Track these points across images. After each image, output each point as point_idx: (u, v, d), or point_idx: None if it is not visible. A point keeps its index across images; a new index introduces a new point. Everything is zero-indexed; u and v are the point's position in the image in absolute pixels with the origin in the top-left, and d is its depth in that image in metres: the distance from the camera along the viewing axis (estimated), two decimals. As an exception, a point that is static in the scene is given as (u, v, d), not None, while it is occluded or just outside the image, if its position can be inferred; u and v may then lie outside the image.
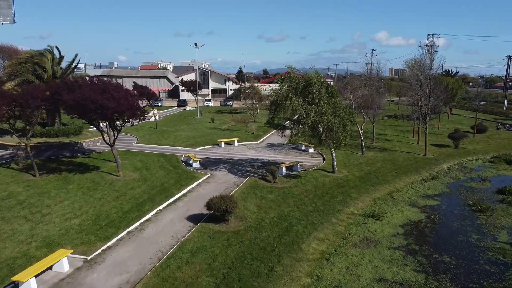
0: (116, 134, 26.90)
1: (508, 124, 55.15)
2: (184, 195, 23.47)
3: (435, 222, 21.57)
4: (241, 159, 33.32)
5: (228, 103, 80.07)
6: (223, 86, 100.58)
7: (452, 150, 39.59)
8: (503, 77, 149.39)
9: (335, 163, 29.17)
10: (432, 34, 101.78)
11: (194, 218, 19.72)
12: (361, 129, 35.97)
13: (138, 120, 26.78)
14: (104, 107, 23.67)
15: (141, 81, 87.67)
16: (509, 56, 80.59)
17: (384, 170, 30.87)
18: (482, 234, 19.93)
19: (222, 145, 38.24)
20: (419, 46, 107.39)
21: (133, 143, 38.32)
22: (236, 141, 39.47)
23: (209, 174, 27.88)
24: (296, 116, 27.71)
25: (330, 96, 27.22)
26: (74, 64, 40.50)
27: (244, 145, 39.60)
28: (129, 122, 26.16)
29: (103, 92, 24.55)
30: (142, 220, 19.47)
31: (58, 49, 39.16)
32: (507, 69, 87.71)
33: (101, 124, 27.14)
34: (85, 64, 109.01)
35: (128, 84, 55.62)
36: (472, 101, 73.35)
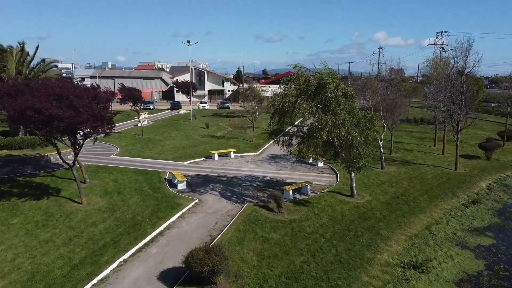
0: (77, 150, 21.11)
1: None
2: (160, 233, 17.67)
3: (501, 277, 15.80)
4: (238, 176, 27.55)
5: (225, 105, 74.29)
6: (220, 87, 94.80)
7: (484, 162, 33.83)
8: (507, 77, 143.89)
9: (354, 185, 23.40)
10: (442, 32, 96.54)
11: (169, 277, 13.94)
12: (381, 139, 30.21)
13: (103, 135, 20.99)
14: (55, 118, 17.92)
15: (134, 82, 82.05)
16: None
17: (413, 192, 25.09)
18: None
19: (216, 157, 32.45)
20: (428, 45, 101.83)
21: (111, 155, 32.52)
22: (232, 153, 33.66)
23: (197, 200, 22.09)
24: (306, 127, 21.98)
25: (348, 101, 21.47)
26: (38, 62, 34.68)
27: (242, 157, 33.81)
28: (91, 136, 20.35)
29: (58, 98, 18.83)
30: (94, 281, 13.68)
31: (21, 45, 33.28)
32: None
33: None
34: (73, 64, 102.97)
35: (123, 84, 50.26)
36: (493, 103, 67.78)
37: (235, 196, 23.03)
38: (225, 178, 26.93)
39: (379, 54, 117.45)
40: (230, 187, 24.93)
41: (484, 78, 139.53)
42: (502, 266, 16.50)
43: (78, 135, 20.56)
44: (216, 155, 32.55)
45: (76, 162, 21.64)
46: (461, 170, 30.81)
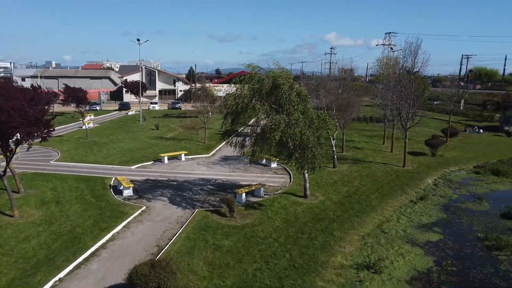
0: (8, 157, 19.19)
1: (477, 126, 52.27)
2: (102, 246, 16.36)
3: (449, 272, 16.03)
4: (189, 180, 26.52)
5: (177, 106, 72.39)
6: (172, 87, 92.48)
7: (430, 159, 35.05)
8: (448, 77, 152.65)
9: (307, 185, 23.17)
10: (390, 33, 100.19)
11: (111, 296, 12.80)
12: (333, 138, 30.36)
13: (40, 139, 19.22)
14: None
15: (80, 82, 77.87)
16: (466, 55, 79.60)
17: (365, 190, 25.31)
18: (517, 291, 14.65)
19: (166, 160, 31.15)
20: (377, 45, 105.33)
21: (51, 161, 30.25)
22: (183, 155, 32.48)
23: (144, 207, 20.85)
24: (259, 127, 21.42)
25: (301, 101, 21.17)
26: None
27: (193, 159, 32.73)
28: (25, 142, 18.55)
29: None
30: (24, 306, 12.26)
31: None
32: (465, 68, 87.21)
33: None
34: (11, 63, 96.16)
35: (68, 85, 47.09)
36: (437, 101, 71.08)
37: (185, 202, 22.03)
38: (175, 183, 25.80)
39: (331, 54, 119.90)
40: (181, 192, 23.87)
41: (428, 77, 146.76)
42: (449, 262, 16.78)
43: (10, 141, 18.68)
44: (166, 158, 31.25)
45: (7, 170, 19.70)
46: (409, 167, 31.64)
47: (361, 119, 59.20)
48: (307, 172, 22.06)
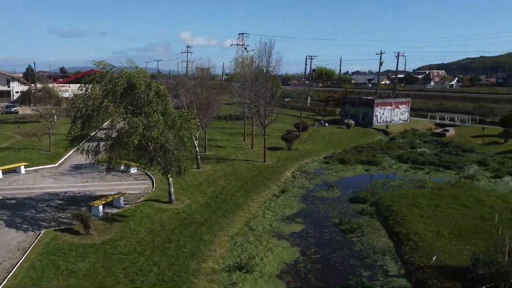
0: None
1: (323, 120, 57.98)
2: None
3: (314, 260, 16.93)
4: (32, 196, 22.72)
5: (13, 109, 62.55)
6: (6, 88, 79.55)
7: (287, 152, 37.33)
8: (296, 76, 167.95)
9: (172, 190, 22.02)
10: (243, 34, 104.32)
11: None
12: (196, 139, 29.72)
13: None
14: None
15: None
16: (310, 56, 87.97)
17: (230, 189, 25.34)
18: (370, 268, 16.21)
19: (0, 175, 26.17)
20: (231, 45, 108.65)
21: None
22: (22, 168, 27.77)
23: (-29, 236, 16.91)
24: (115, 131, 19.43)
25: (161, 101, 19.93)
26: None
27: (37, 171, 28.30)
28: None
29: None
30: None
31: None
32: (309, 68, 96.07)
33: None
34: None
35: None
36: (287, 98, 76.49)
37: (28, 223, 18.66)
38: (13, 201, 21.76)
39: (187, 52, 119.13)
40: (21, 211, 20.19)
41: (278, 76, 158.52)
42: (313, 250, 17.78)
43: None
44: (0, 172, 26.25)
45: None
46: (269, 162, 33.04)
47: (221, 118, 60.15)
48: (171, 177, 20.91)
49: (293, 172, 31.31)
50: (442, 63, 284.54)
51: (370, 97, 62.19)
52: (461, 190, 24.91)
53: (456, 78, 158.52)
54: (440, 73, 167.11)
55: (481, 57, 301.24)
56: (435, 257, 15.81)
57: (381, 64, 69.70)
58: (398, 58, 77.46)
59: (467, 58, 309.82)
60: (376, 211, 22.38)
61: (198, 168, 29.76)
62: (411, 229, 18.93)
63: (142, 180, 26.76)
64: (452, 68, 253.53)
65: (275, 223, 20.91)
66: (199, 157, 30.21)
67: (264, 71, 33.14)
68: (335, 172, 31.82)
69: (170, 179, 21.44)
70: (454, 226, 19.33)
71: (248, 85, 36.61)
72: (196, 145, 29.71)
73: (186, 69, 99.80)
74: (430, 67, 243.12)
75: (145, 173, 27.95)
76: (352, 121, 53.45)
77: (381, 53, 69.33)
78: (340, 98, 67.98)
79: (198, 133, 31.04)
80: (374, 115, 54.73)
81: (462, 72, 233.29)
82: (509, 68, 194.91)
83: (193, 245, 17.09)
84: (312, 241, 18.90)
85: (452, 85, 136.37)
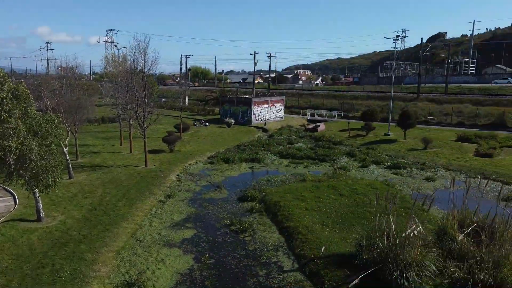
0: None
1: (203, 120, 57.59)
2: None
3: (209, 266, 16.33)
4: None
5: None
6: None
7: (169, 155, 35.96)
8: (171, 75, 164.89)
9: (40, 206, 19.11)
10: (111, 30, 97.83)
11: None
12: (66, 146, 26.46)
13: None
14: None
15: None
16: (185, 55, 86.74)
17: (110, 199, 23.15)
18: (265, 266, 16.27)
19: None
20: (99, 42, 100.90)
21: None
22: None
23: None
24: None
25: (20, 104, 17.06)
26: None
27: None
28: None
29: None
30: None
31: None
32: (184, 67, 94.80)
33: None
34: None
35: None
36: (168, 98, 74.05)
37: None
38: None
39: (47, 49, 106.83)
40: None
41: (153, 76, 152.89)
42: (207, 255, 17.18)
43: None
44: None
45: None
46: (151, 166, 31.31)
47: (92, 121, 55.23)
48: (39, 191, 18.09)
49: (178, 175, 30.20)
50: (307, 64, 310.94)
51: (247, 96, 64.05)
52: (337, 181, 26.99)
53: (320, 78, 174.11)
54: (307, 73, 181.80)
55: (338, 58, 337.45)
56: (323, 247, 16.62)
57: (255, 63, 72.40)
58: (270, 58, 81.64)
59: (327, 59, 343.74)
60: (265, 208, 22.79)
61: (70, 178, 26.62)
62: (299, 222, 19.67)
63: (0, 197, 22.74)
64: (315, 68, 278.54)
65: (164, 231, 19.72)
66: (70, 165, 27.02)
67: (139, 69, 31.23)
68: (221, 172, 31.68)
69: (37, 194, 18.55)
70: (335, 215, 20.74)
71: (123, 85, 34.20)
72: (66, 152, 26.49)
73: (48, 68, 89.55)
74: (297, 67, 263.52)
75: (5, 188, 23.84)
76: (233, 120, 54.29)
77: (255, 53, 72.07)
78: (218, 97, 68.52)
79: (68, 139, 27.75)
80: (252, 113, 56.45)
81: (324, 71, 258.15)
82: (363, 69, 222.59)
83: (72, 267, 14.97)
84: (205, 246, 18.27)
85: (317, 84, 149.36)
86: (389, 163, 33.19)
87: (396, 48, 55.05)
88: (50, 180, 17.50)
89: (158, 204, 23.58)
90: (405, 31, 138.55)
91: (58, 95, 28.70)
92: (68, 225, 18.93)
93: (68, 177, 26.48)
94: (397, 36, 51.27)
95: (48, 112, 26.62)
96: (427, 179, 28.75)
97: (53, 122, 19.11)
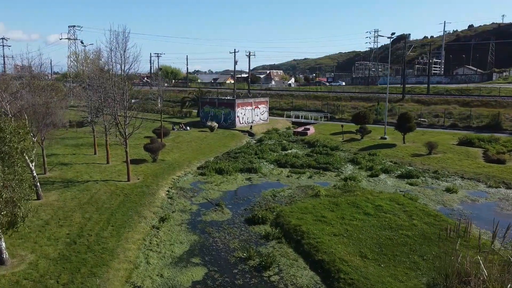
0: None
1: (183, 123, 53.09)
2: None
3: (237, 324, 12.51)
4: None
5: None
6: None
7: (152, 165, 31.51)
8: (138, 74, 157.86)
9: (3, 245, 14.60)
10: (74, 26, 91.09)
11: None
12: (32, 161, 21.66)
13: None
14: None
15: None
16: (156, 54, 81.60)
17: (93, 227, 18.72)
18: (309, 322, 12.64)
19: None
20: (61, 39, 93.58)
21: None
22: None
23: None
24: None
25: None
26: None
27: None
28: None
29: None
30: None
31: None
32: (156, 66, 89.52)
33: None
34: None
35: None
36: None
37: None
38: None
39: (3, 46, 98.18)
40: None
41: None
42: (230, 307, 13.34)
43: None
44: None
45: None
46: (134, 180, 26.90)
47: (58, 125, 49.47)
48: (3, 233, 13.63)
49: (167, 191, 25.97)
50: (274, 64, 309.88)
51: (230, 97, 60.06)
52: (355, 196, 23.67)
53: (293, 78, 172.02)
54: (280, 73, 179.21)
55: (305, 59, 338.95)
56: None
57: (236, 63, 68.54)
58: (249, 58, 77.71)
59: (294, 60, 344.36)
60: (282, 233, 19.05)
61: (38, 199, 21.93)
62: (333, 255, 16.12)
63: None
64: (283, 68, 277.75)
65: (167, 271, 15.64)
66: (38, 183, 22.29)
67: (118, 68, 26.77)
68: (216, 185, 27.65)
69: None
70: (372, 243, 17.36)
71: (95, 86, 29.66)
72: (33, 168, 21.73)
73: (4, 66, 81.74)
74: (264, 67, 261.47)
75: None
76: (215, 123, 50.16)
77: (235, 52, 68.16)
78: (196, 98, 64.04)
79: (35, 151, 22.94)
80: (236, 116, 52.55)
81: (292, 72, 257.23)
82: (329, 69, 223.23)
83: None
84: (222, 292, 14.39)
85: (290, 84, 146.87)
86: (399, 172, 30.32)
87: (374, 48, 52.78)
88: (17, 215, 13.09)
89: (151, 231, 19.40)
90: (377, 31, 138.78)
91: (22, 99, 23.79)
92: (41, 269, 14.51)
93: (36, 198, 21.72)
94: (377, 36, 48.83)
95: (9, 119, 21.76)
96: (448, 190, 26.00)
97: (19, 134, 14.79)
